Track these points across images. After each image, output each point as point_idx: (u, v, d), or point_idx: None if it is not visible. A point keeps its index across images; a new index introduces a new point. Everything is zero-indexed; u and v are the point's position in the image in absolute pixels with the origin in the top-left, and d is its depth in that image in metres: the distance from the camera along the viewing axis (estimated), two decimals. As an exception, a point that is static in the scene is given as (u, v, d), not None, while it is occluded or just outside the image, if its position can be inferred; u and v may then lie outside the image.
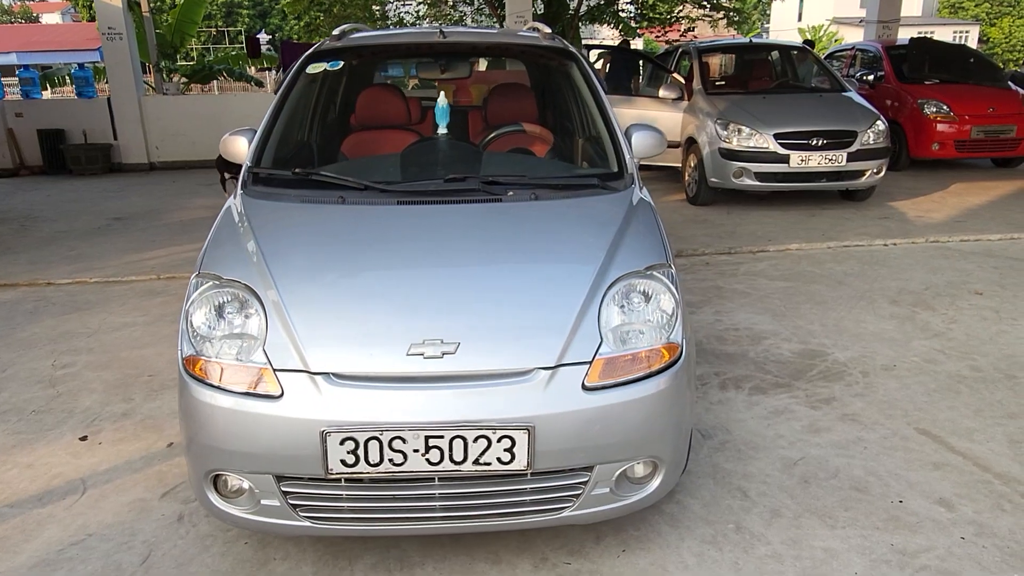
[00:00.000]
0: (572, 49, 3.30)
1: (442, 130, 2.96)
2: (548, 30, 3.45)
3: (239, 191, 2.63)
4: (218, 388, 2.00)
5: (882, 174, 7.25)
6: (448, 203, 2.47)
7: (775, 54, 9.30)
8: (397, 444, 1.92)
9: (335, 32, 3.42)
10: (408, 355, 1.95)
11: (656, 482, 2.17)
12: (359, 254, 2.26)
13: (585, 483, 2.06)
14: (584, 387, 1.99)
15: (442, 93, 2.93)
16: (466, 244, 2.29)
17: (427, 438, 1.92)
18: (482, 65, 6.40)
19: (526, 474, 1.99)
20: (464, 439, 1.92)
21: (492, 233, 2.33)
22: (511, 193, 2.51)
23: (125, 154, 11.21)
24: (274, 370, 1.98)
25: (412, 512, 2.04)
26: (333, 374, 1.96)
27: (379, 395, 1.94)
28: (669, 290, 2.19)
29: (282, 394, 1.95)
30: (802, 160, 6.96)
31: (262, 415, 1.95)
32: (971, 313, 4.49)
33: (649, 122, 3.09)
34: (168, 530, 2.50)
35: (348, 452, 1.92)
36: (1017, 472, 2.77)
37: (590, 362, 2.01)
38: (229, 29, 38.91)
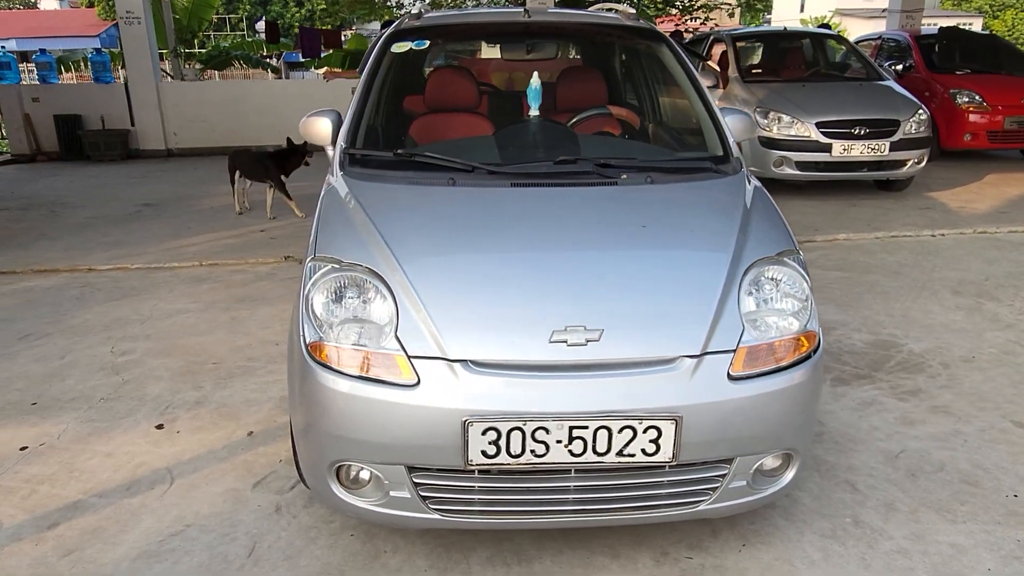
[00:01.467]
0: (660, 31, 3.21)
1: (534, 112, 2.87)
2: (631, 10, 3.36)
3: (338, 172, 2.54)
4: (348, 375, 1.92)
5: (923, 164, 7.17)
6: (562, 185, 2.39)
7: (807, 42, 9.19)
8: (540, 435, 1.84)
9: (413, 11, 3.31)
10: (551, 342, 1.88)
11: (790, 475, 2.10)
12: (482, 237, 2.18)
13: (724, 476, 1.99)
14: (730, 376, 1.92)
15: (535, 74, 2.84)
16: (591, 228, 2.21)
17: (571, 428, 1.84)
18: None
19: (665, 466, 1.92)
20: (609, 430, 1.85)
21: (615, 217, 2.25)
22: (625, 176, 2.43)
23: (143, 140, 11.07)
24: (409, 357, 1.90)
25: (545, 505, 1.97)
26: (472, 361, 1.88)
27: (521, 384, 1.86)
28: (802, 276, 2.12)
29: (418, 382, 1.87)
30: (844, 149, 6.87)
31: (397, 403, 1.87)
32: (1037, 304, 4.42)
33: None
34: (268, 521, 2.43)
35: (489, 442, 1.84)
36: None
37: (734, 351, 1.93)
38: (230, 16, 38.61)
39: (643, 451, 1.87)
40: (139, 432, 3.02)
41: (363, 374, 1.91)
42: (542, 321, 1.91)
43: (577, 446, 1.86)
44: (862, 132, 6.86)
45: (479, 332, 1.91)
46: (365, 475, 2.01)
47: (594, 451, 1.87)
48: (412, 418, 1.87)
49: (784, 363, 1.98)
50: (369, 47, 3.16)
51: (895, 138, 6.90)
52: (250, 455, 2.84)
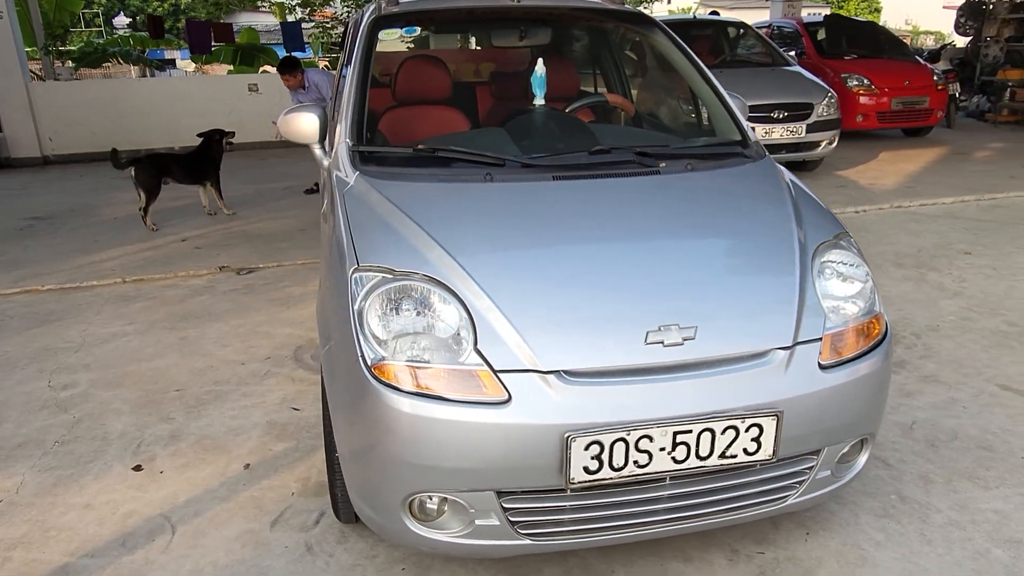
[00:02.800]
0: (652, 17, 3.14)
1: (539, 100, 2.72)
2: (617, -4, 3.27)
3: (351, 172, 2.30)
4: (427, 396, 1.72)
5: (835, 144, 7.54)
6: (604, 177, 2.26)
7: (713, 30, 9.46)
8: (644, 444, 1.72)
9: (389, -3, 3.07)
10: (647, 344, 1.75)
11: (863, 458, 2.08)
12: (544, 234, 2.02)
13: (812, 468, 1.94)
14: (820, 366, 1.86)
15: (540, 61, 2.69)
16: (651, 219, 2.10)
17: (675, 434, 1.73)
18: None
19: (756, 465, 1.84)
20: (712, 432, 1.75)
21: (669, 206, 2.15)
22: (663, 164, 2.33)
23: (14, 147, 10.00)
24: (495, 372, 1.72)
25: (637, 517, 1.85)
26: (565, 372, 1.73)
27: (621, 391, 1.73)
28: (860, 257, 2.10)
29: (509, 398, 1.70)
30: (766, 132, 7.11)
31: (486, 424, 1.69)
32: (973, 272, 4.71)
33: None
34: (302, 564, 2.18)
35: (592, 457, 1.70)
36: (1112, 418, 2.90)
37: (820, 339, 1.88)
38: (84, 12, 35.70)
39: (744, 451, 1.79)
40: (114, 476, 2.66)
41: (445, 395, 1.72)
42: (634, 321, 1.78)
43: (680, 452, 1.75)
44: (781, 116, 7.13)
45: (570, 338, 1.76)
46: (441, 506, 1.82)
47: (697, 455, 1.76)
48: (505, 439, 1.70)
49: (864, 348, 1.95)
50: (349, 35, 2.90)
51: (810, 120, 7.22)
52: (255, 491, 2.55)
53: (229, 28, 11.18)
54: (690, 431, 1.74)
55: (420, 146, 2.35)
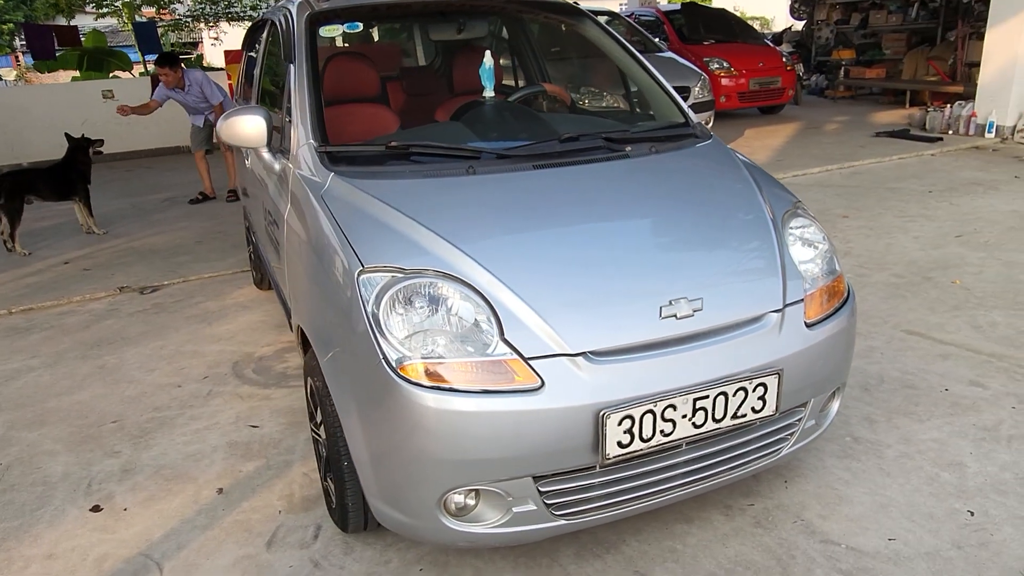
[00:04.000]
0: (582, 7, 3.23)
1: (489, 92, 2.74)
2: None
3: (325, 175, 2.24)
4: (459, 392, 1.73)
5: (711, 124, 8.02)
6: (580, 163, 2.33)
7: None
8: (669, 413, 1.82)
9: (314, -9, 2.98)
10: (662, 318, 1.84)
11: (836, 405, 2.28)
12: (545, 220, 2.06)
13: (801, 419, 2.12)
14: (806, 324, 2.03)
15: (488, 53, 2.71)
16: (636, 200, 2.19)
17: (695, 400, 1.84)
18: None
19: (761, 421, 1.98)
20: (726, 394, 1.87)
21: (649, 187, 2.26)
22: (629, 148, 2.43)
23: None
24: (526, 359, 1.75)
25: (658, 485, 1.94)
26: (591, 352, 1.79)
27: (644, 365, 1.81)
28: (816, 223, 2.30)
29: (542, 384, 1.74)
30: (649, 116, 7.46)
31: (522, 411, 1.72)
32: (854, 233, 5.20)
33: None
34: (314, 580, 2.12)
35: (624, 431, 1.78)
36: (1001, 350, 3.32)
37: (803, 300, 2.05)
38: None
39: (752, 409, 1.92)
40: (72, 521, 2.45)
41: (477, 388, 1.73)
42: (647, 297, 1.87)
43: (699, 417, 1.86)
44: (661, 99, 7.49)
45: (592, 320, 1.82)
46: (477, 498, 1.83)
47: (713, 418, 1.88)
48: (541, 424, 1.73)
49: (837, 304, 2.14)
50: (286, 34, 2.79)
51: (689, 103, 7.61)
52: (237, 514, 2.43)
53: (74, 31, 10.27)
54: (707, 396, 1.85)
55: (393, 143, 2.31)
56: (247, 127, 2.50)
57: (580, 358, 1.77)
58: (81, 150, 6.07)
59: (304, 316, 2.24)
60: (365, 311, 1.82)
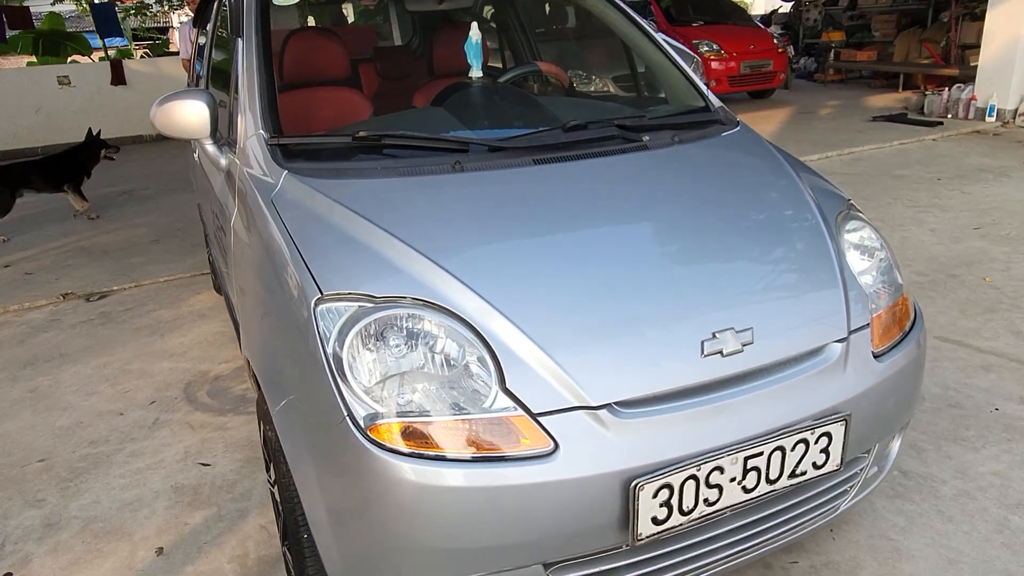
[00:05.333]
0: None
1: (476, 73, 2.32)
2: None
3: (276, 174, 1.81)
4: (448, 460, 1.32)
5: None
6: (589, 157, 1.92)
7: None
8: (715, 477, 1.43)
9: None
10: (704, 356, 1.45)
11: (897, 445, 1.91)
12: (550, 232, 1.65)
13: (864, 467, 1.74)
14: (873, 355, 1.65)
15: (474, 25, 2.29)
16: (662, 203, 1.79)
17: (746, 459, 1.45)
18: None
19: (823, 478, 1.60)
20: (783, 449, 1.49)
21: (676, 187, 1.85)
22: (647, 138, 2.02)
23: None
24: (534, 416, 1.35)
25: (693, 562, 1.55)
26: (617, 403, 1.39)
27: (684, 417, 1.42)
28: (870, 225, 1.91)
29: (556, 448, 1.34)
30: (640, 101, 7.05)
31: (532, 485, 1.32)
32: (865, 225, 4.84)
33: None
34: (269, 677, 1.71)
35: (660, 504, 1.38)
36: (1049, 359, 2.97)
37: (868, 324, 1.67)
38: None
39: (813, 464, 1.54)
40: (-23, 594, 2.02)
41: (472, 454, 1.33)
42: (684, 330, 1.47)
43: (751, 479, 1.47)
44: (653, 83, 7.08)
45: (617, 361, 1.41)
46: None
47: (767, 480, 1.49)
48: (556, 499, 1.34)
49: (905, 328, 1.76)
50: (234, 5, 2.34)
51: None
52: (180, 583, 2.02)
53: (26, 12, 9.64)
54: (761, 453, 1.46)
55: (361, 132, 1.88)
56: (186, 114, 2.05)
57: (604, 412, 1.37)
58: (94, 147, 6.04)
59: (253, 350, 1.81)
60: (324, 351, 1.41)
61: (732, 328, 1.48)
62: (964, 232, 4.57)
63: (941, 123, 8.10)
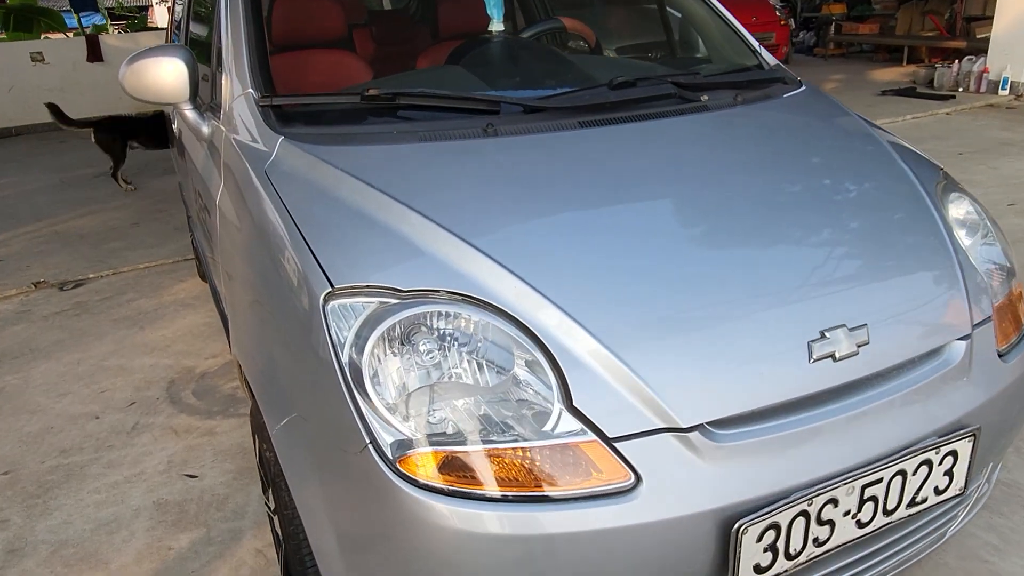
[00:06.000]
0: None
1: (497, 26, 2.01)
2: None
3: (272, 140, 1.50)
4: (499, 501, 1.04)
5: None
6: (641, 119, 1.62)
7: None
8: (827, 511, 1.15)
9: None
10: (813, 361, 1.16)
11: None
12: (608, 210, 1.35)
13: (979, 485, 1.47)
14: (999, 355, 1.37)
15: (495, -31, 1.99)
16: (742, 173, 1.49)
17: (863, 488, 1.17)
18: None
19: (945, 504, 1.33)
20: (904, 473, 1.21)
21: (755, 154, 1.56)
22: (705, 98, 1.72)
23: None
24: (609, 441, 1.06)
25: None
26: (710, 424, 1.10)
27: (792, 439, 1.13)
28: (970, 197, 1.63)
29: (637, 481, 1.05)
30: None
31: (607, 532, 1.04)
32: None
33: None
34: None
35: (765, 549, 1.10)
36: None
37: (990, 318, 1.38)
38: None
39: (935, 490, 1.27)
40: (-76, 640, 1.72)
41: (531, 492, 1.04)
42: (787, 329, 1.18)
43: (866, 511, 1.20)
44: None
45: (708, 369, 1.13)
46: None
47: (884, 511, 1.22)
48: (636, 547, 1.05)
49: (1025, 320, 1.48)
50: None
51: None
52: (163, 623, 1.73)
53: (-6, -14, 9.17)
54: (880, 479, 1.19)
55: (373, 91, 1.56)
56: (162, 74, 1.73)
57: (695, 434, 1.09)
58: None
59: (245, 352, 1.51)
60: (338, 360, 1.11)
61: (844, 325, 1.19)
62: (998, 208, 4.31)
63: (953, 96, 7.83)
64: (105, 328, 3.38)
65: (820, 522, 1.15)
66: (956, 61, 8.41)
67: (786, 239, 1.34)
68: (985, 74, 7.92)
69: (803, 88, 1.93)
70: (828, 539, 1.17)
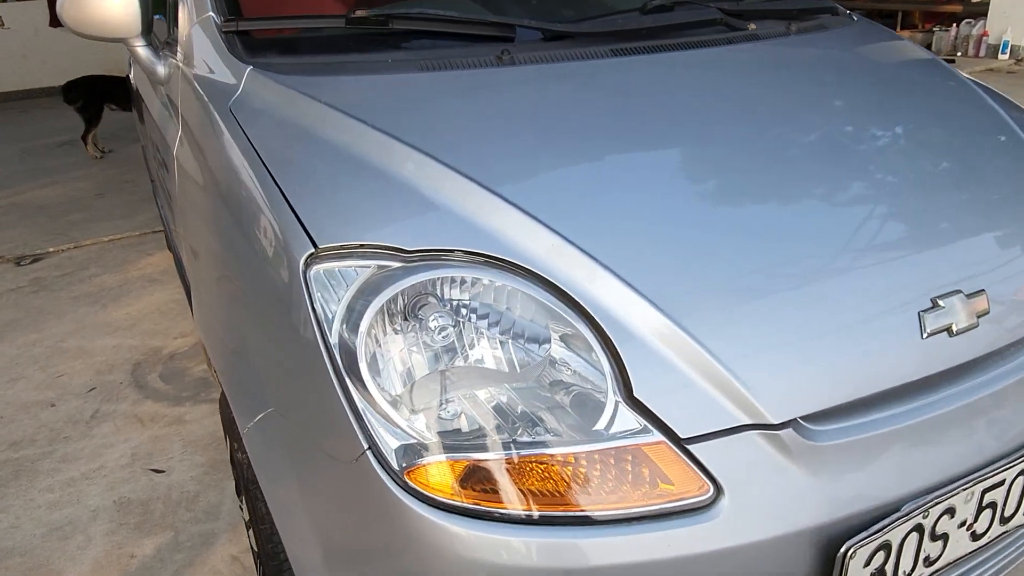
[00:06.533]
0: None
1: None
2: None
3: (238, 69, 1.22)
4: (539, 523, 0.80)
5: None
6: (681, 48, 1.36)
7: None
8: (943, 524, 0.92)
9: None
10: (926, 337, 0.92)
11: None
12: (657, 154, 1.09)
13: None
14: (1121, 325, 1.14)
15: None
16: (807, 113, 1.24)
17: (983, 493, 0.94)
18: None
19: None
20: (1025, 473, 0.98)
21: (815, 89, 1.31)
22: (753, 26, 1.47)
23: None
24: (681, 443, 0.82)
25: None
26: (803, 418, 0.86)
27: (903, 434, 0.90)
28: None
29: (718, 494, 0.82)
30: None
31: (678, 560, 0.80)
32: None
33: None
34: None
35: (873, 573, 0.87)
36: None
37: (1109, 280, 1.15)
38: None
39: (1055, 491, 1.04)
40: None
41: (580, 511, 0.80)
42: (896, 295, 0.94)
43: (983, 521, 0.97)
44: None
45: (798, 350, 0.88)
46: None
47: (1001, 519, 0.99)
48: (714, 572, 0.82)
49: None
50: None
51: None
52: (123, 647, 1.48)
53: (-54, -56, 8.63)
54: (1002, 482, 0.96)
55: (360, 12, 1.28)
56: (107, 3, 1.44)
57: (788, 432, 0.85)
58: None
59: (211, 332, 1.24)
60: (325, 341, 0.86)
61: (960, 292, 0.96)
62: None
63: (952, 61, 7.62)
64: (65, 306, 3.09)
65: (934, 537, 0.92)
66: (955, 25, 8.20)
67: (877, 187, 1.09)
68: (985, 37, 7.71)
69: (859, 21, 1.68)
70: (939, 556, 0.95)
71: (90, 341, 2.78)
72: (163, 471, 2.01)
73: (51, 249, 3.74)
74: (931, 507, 0.89)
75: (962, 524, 0.95)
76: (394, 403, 0.84)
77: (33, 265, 3.56)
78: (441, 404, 0.85)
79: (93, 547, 1.76)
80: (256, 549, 1.23)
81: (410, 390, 0.85)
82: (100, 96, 5.32)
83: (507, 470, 0.82)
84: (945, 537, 0.94)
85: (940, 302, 0.94)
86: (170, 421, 2.24)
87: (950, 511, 0.92)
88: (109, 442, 2.15)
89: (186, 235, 1.48)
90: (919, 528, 0.89)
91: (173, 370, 2.53)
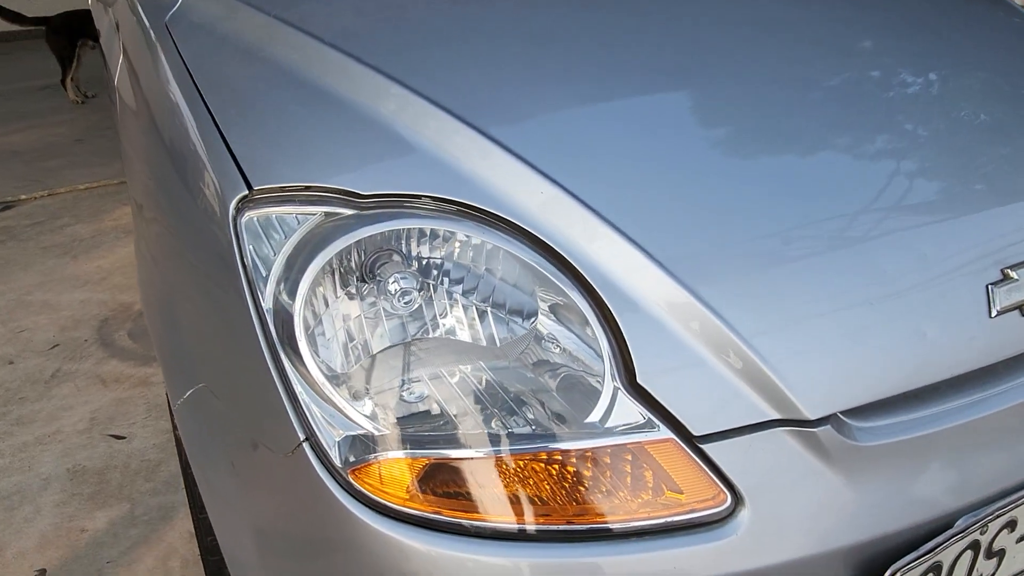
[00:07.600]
0: None
1: None
2: None
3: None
4: (515, 537, 0.64)
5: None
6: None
7: None
8: (1001, 539, 0.77)
9: None
10: (994, 316, 0.76)
11: None
12: (677, 91, 0.91)
13: None
14: None
15: None
16: (856, 50, 1.05)
17: (1047, 503, 0.79)
18: None
19: None
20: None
21: (871, 20, 1.12)
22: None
23: None
24: (693, 441, 0.66)
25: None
26: (844, 414, 0.70)
27: (958, 435, 0.74)
28: None
29: (736, 504, 0.66)
30: None
31: (690, 580, 0.65)
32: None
33: None
34: None
35: (919, 600, 0.72)
36: None
37: None
38: None
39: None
40: None
41: (566, 524, 0.64)
42: (958, 264, 0.77)
43: (1044, 533, 0.82)
44: None
45: (843, 329, 0.72)
46: None
47: (1062, 531, 0.84)
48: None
49: None
50: None
51: None
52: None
53: None
54: (1071, 489, 0.80)
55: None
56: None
57: (826, 429, 0.69)
58: None
59: (146, 290, 1.08)
60: (256, 304, 0.70)
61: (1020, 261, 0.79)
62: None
63: None
64: (33, 257, 2.92)
65: (989, 554, 0.77)
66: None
67: (937, 135, 0.91)
68: None
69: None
70: (993, 575, 0.80)
71: (57, 295, 2.61)
72: (123, 437, 1.87)
73: (23, 197, 3.55)
74: (991, 520, 0.74)
75: (1021, 539, 0.80)
76: (340, 384, 0.68)
77: (3, 213, 3.39)
78: (403, 385, 0.69)
79: (41, 519, 1.62)
80: (196, 533, 1.08)
81: (363, 369, 0.69)
82: (74, 33, 4.93)
83: (478, 470, 0.66)
84: (1002, 553, 0.79)
85: (1012, 273, 0.77)
86: (135, 383, 2.09)
87: (1011, 524, 0.77)
88: (68, 404, 2.00)
89: (129, 179, 1.31)
90: (975, 545, 0.74)
91: (143, 328, 2.37)
